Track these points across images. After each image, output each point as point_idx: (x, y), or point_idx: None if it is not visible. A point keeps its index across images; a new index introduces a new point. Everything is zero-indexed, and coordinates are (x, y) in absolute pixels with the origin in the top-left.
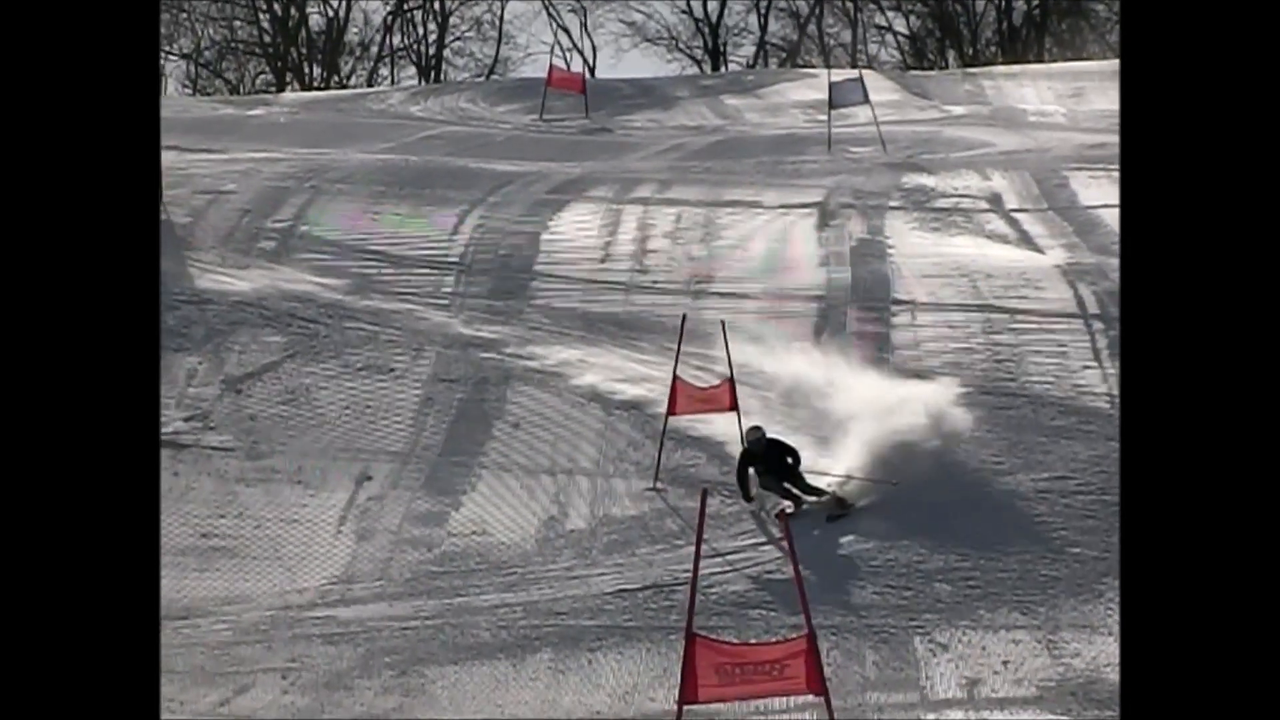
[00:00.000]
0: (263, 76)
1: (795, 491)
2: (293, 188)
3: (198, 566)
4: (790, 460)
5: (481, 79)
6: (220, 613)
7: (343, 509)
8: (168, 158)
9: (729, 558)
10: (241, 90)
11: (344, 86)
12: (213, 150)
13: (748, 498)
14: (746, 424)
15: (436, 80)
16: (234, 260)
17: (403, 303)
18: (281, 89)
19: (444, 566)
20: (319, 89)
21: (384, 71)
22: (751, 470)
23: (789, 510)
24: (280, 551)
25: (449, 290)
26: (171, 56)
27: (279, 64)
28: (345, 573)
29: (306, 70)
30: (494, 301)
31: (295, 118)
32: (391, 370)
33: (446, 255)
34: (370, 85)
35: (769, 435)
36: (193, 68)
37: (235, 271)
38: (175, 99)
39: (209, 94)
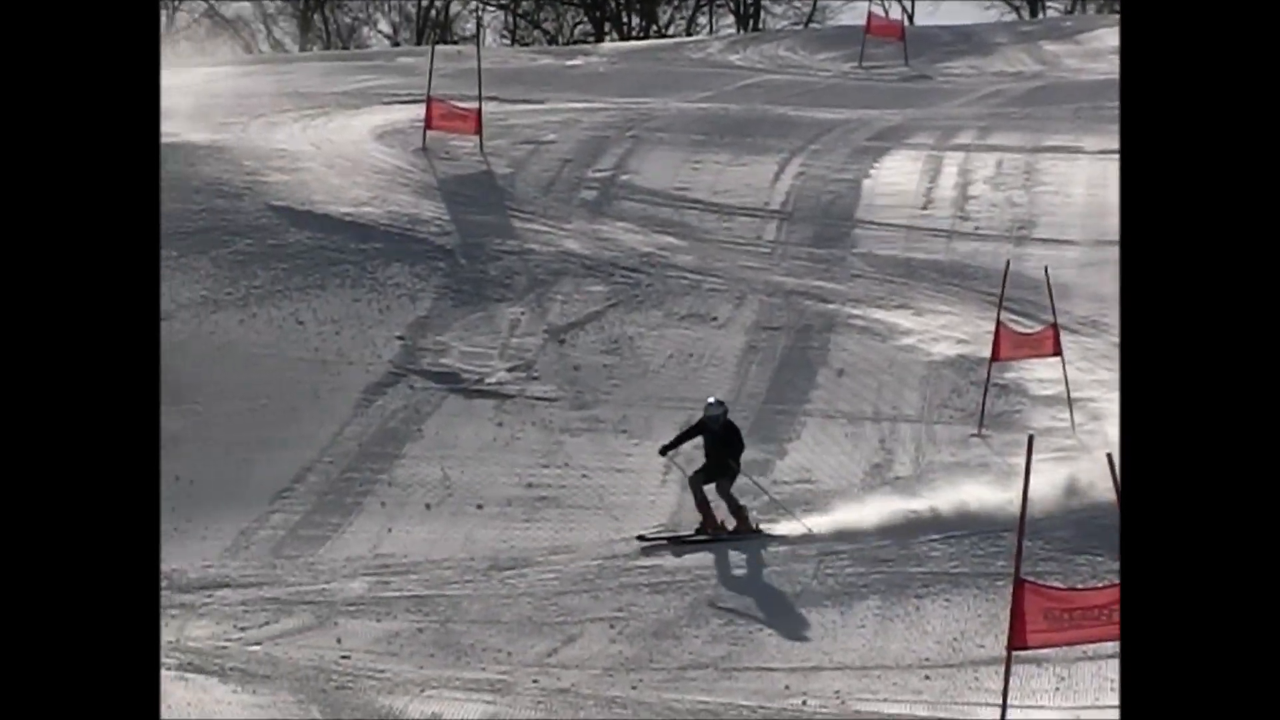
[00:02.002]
0: (581, 26)
1: (730, 501)
2: (613, 137)
3: (524, 517)
4: (731, 463)
5: (800, 27)
6: (547, 562)
7: (667, 457)
8: (488, 108)
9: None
10: (560, 40)
11: (662, 36)
12: (532, 101)
13: (664, 450)
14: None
15: (755, 28)
16: (555, 210)
17: (724, 251)
18: (600, 39)
19: (769, 514)
20: (637, 38)
21: (702, 20)
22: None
23: (728, 527)
24: (605, 500)
25: (770, 238)
26: (490, 7)
27: (597, 13)
28: (670, 521)
29: (625, 19)
30: (815, 249)
31: (614, 67)
32: (714, 319)
33: (767, 203)
34: (689, 34)
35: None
36: (511, 18)
37: (556, 222)
38: (494, 50)
39: (527, 44)
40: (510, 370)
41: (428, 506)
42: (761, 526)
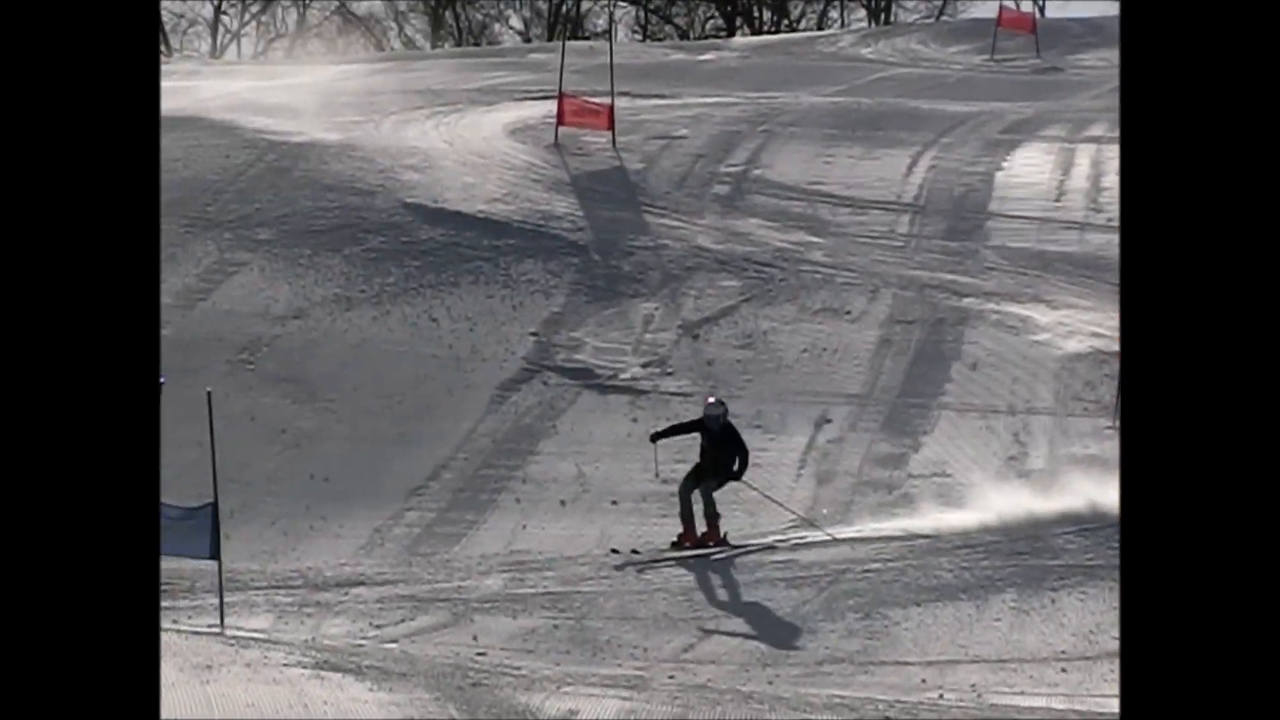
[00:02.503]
0: (712, 21)
1: (708, 504)
2: (745, 132)
3: (659, 512)
4: (736, 467)
5: (931, 20)
6: (683, 558)
7: (802, 452)
8: (620, 103)
9: None
10: (691, 35)
11: (793, 30)
12: (664, 96)
13: (655, 437)
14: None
15: (886, 22)
16: (688, 205)
17: (858, 245)
18: (731, 33)
19: (905, 508)
20: (769, 33)
21: (833, 14)
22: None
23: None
24: (740, 495)
25: (903, 232)
26: (621, 3)
27: (729, 8)
28: (806, 515)
29: (756, 14)
30: (948, 242)
31: (746, 62)
32: (848, 313)
33: (900, 197)
34: (820, 28)
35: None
36: (642, 13)
37: (689, 217)
38: (626, 45)
39: (659, 40)
40: (644, 366)
41: (562, 503)
42: (731, 540)
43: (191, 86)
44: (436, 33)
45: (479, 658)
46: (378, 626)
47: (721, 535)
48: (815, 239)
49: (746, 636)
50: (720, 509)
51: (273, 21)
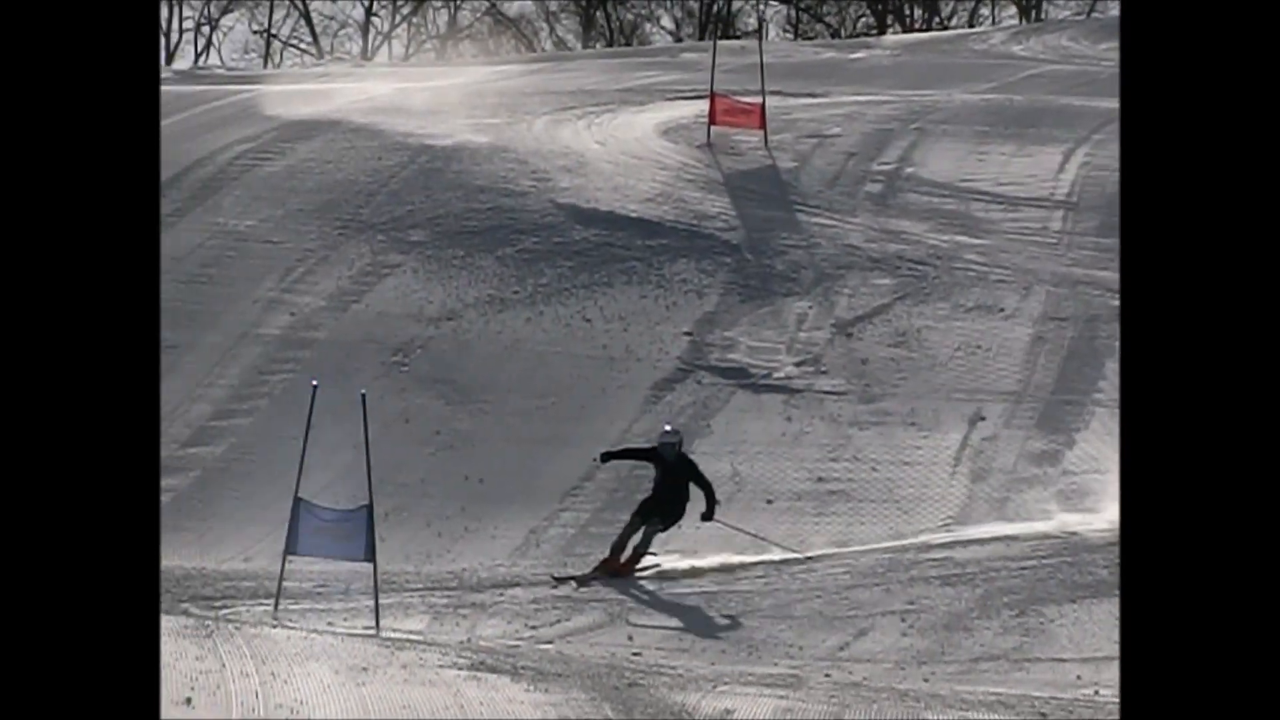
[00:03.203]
0: (863, 19)
1: (645, 541)
2: (897, 130)
3: (814, 511)
4: (705, 508)
5: (1082, 17)
6: (837, 556)
7: (956, 449)
8: (772, 102)
9: None
10: (842, 34)
11: (944, 28)
12: (815, 94)
13: (604, 457)
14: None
15: (1037, 19)
16: (840, 204)
17: (1011, 242)
18: (882, 31)
19: (1059, 504)
20: (920, 30)
21: (984, 11)
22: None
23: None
24: (895, 494)
25: (1056, 229)
26: (772, 2)
27: (880, 6)
28: (960, 513)
29: (907, 12)
30: (1101, 239)
31: (897, 60)
32: (1001, 310)
33: (1053, 194)
34: (971, 26)
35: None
36: (793, 12)
37: (842, 215)
38: (776, 44)
39: (810, 38)
40: (798, 365)
41: (717, 502)
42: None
43: (342, 89)
44: (588, 33)
45: (635, 657)
46: (533, 627)
47: (635, 567)
48: (968, 237)
49: (902, 634)
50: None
51: (423, 23)
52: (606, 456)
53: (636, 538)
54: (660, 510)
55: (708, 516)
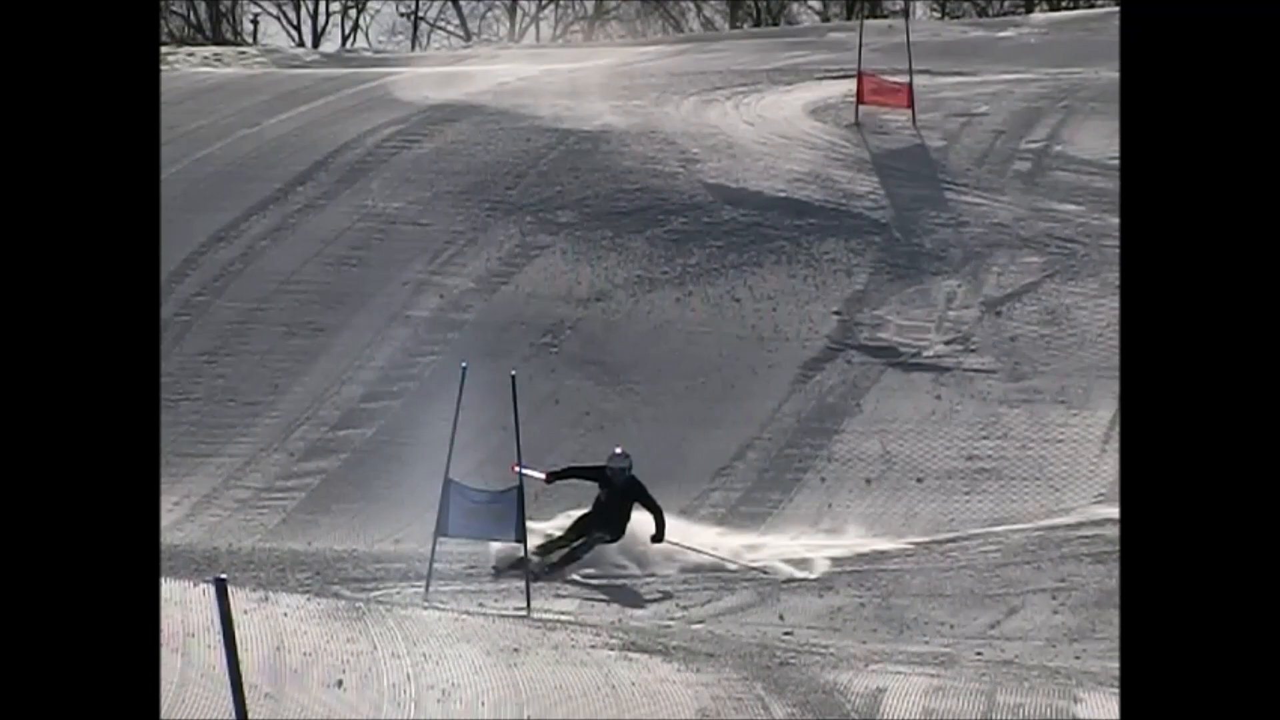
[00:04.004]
0: None
1: (578, 548)
2: (1045, 108)
3: (964, 489)
4: (654, 531)
5: None
6: (987, 534)
7: (1106, 426)
8: (920, 81)
9: None
10: (989, 12)
11: (1091, 5)
12: (963, 73)
13: (551, 477)
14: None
15: None
16: (989, 182)
17: None
18: (1030, 9)
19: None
20: (1067, 8)
21: None
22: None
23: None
24: (1045, 471)
25: None
26: None
27: None
28: (1110, 490)
29: None
30: None
31: (1045, 38)
32: None
33: None
34: (1118, 3)
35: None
36: None
37: (990, 193)
38: (923, 23)
39: (957, 17)
40: (947, 343)
41: (867, 481)
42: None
43: (490, 71)
44: (735, 13)
45: (786, 637)
46: (684, 607)
47: (544, 569)
48: (1116, 215)
49: (1054, 612)
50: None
51: (571, 4)
52: (553, 476)
53: (574, 545)
54: (602, 528)
55: (657, 539)
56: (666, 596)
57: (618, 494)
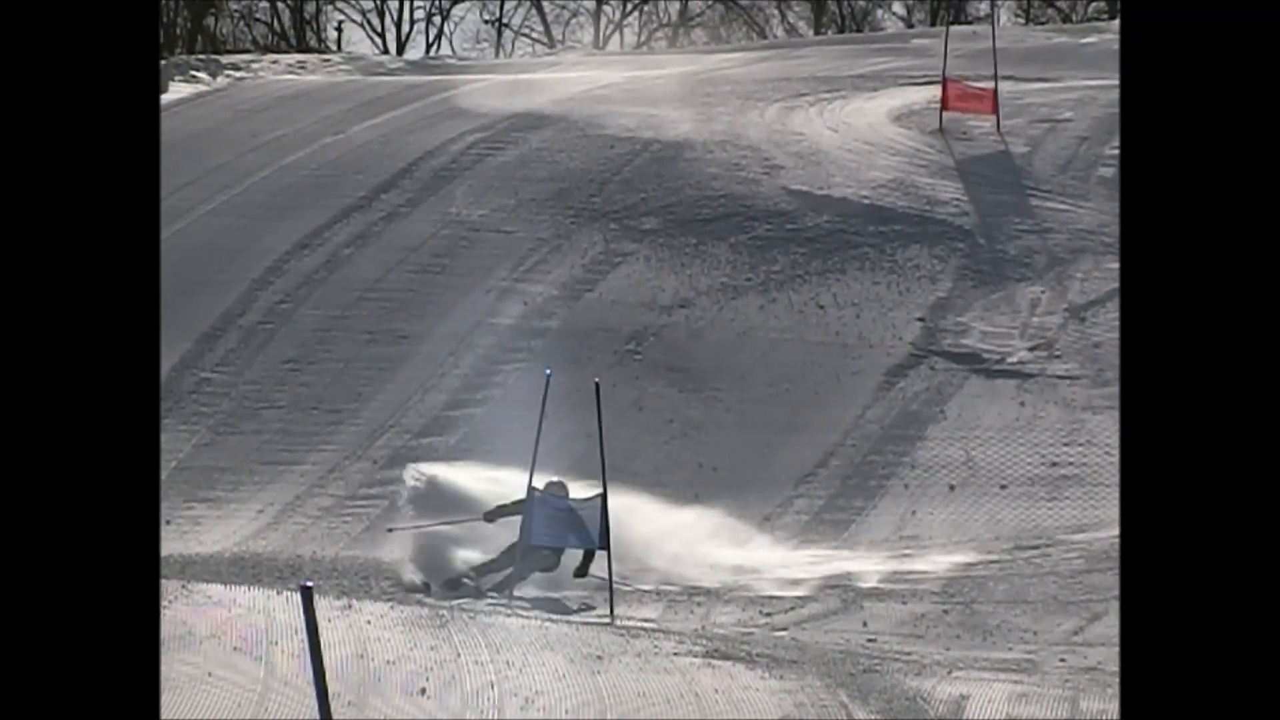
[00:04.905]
0: (1094, 3)
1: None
2: None
3: (1047, 495)
4: (580, 563)
5: None
6: (1070, 541)
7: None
8: (1004, 87)
9: None
10: (1074, 18)
11: None
12: (1047, 79)
13: (488, 517)
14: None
15: None
16: (1073, 188)
17: None
18: (1114, 16)
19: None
20: None
21: None
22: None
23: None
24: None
25: None
26: None
27: None
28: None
29: None
30: None
31: None
32: None
33: None
34: None
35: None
36: None
37: (1075, 200)
38: (1008, 29)
39: (1042, 23)
40: (1031, 349)
41: (951, 487)
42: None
43: (574, 78)
44: (819, 19)
45: (869, 644)
46: (767, 614)
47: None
48: None
49: None
50: None
51: (655, 11)
52: (490, 516)
53: (508, 573)
54: (538, 559)
55: (581, 573)
56: (750, 603)
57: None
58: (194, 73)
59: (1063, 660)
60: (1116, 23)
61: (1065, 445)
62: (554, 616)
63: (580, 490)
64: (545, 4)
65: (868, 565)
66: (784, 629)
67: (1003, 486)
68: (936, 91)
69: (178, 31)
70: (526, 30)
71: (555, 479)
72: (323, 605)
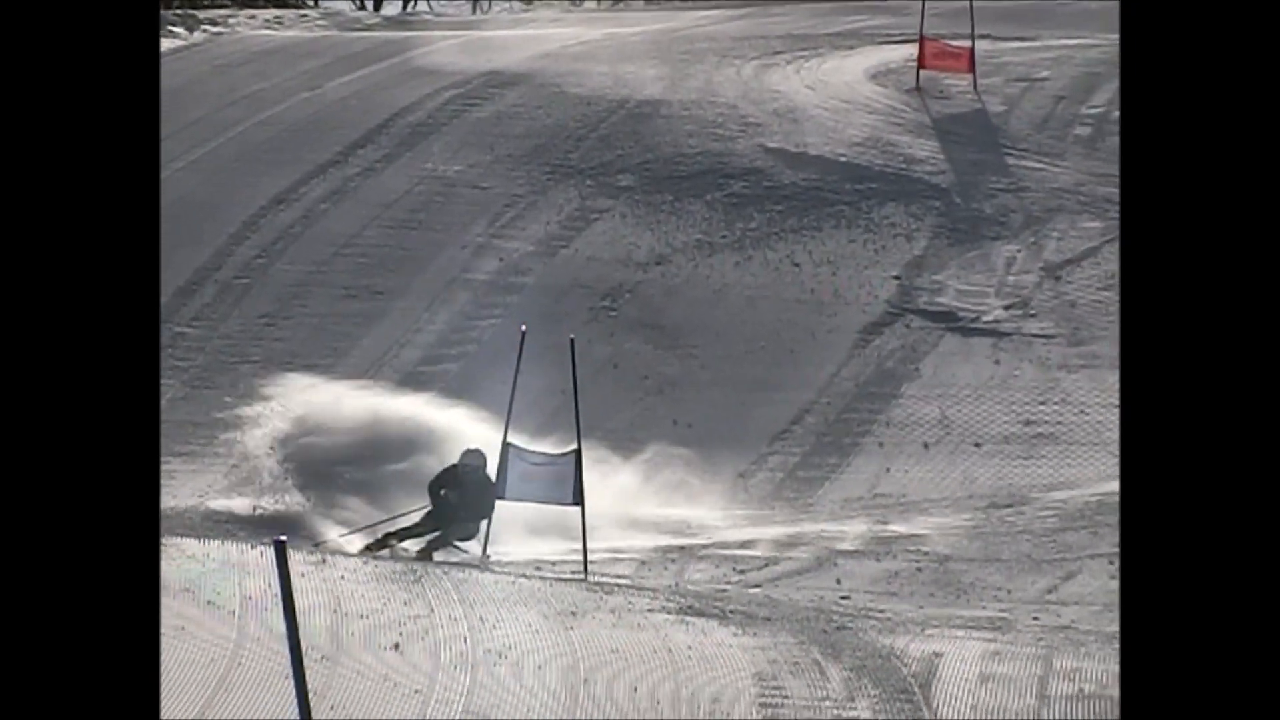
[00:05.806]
0: None
1: (441, 540)
2: (1105, 73)
3: (1021, 454)
4: (470, 530)
5: None
6: (1045, 499)
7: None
8: (981, 46)
9: None
10: None
11: None
12: (1025, 38)
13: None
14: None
15: None
16: (1050, 147)
17: None
18: None
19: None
20: None
21: None
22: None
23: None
24: (1103, 436)
25: None
26: None
27: None
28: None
29: None
30: None
31: (1106, 4)
32: None
33: None
34: None
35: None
36: None
37: (1051, 158)
38: None
39: None
40: (1006, 308)
41: (925, 446)
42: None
43: (551, 34)
44: None
45: (842, 601)
46: (741, 571)
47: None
48: None
49: (1110, 577)
50: None
51: None
52: (399, 537)
53: (430, 540)
54: (456, 529)
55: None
56: (724, 560)
57: (469, 493)
58: (171, 28)
59: (1036, 619)
60: None
61: (1040, 404)
62: (528, 572)
63: (552, 446)
64: None
65: (843, 527)
66: (757, 586)
67: (977, 445)
68: (914, 50)
69: None
70: None
71: (474, 448)
72: (296, 560)
